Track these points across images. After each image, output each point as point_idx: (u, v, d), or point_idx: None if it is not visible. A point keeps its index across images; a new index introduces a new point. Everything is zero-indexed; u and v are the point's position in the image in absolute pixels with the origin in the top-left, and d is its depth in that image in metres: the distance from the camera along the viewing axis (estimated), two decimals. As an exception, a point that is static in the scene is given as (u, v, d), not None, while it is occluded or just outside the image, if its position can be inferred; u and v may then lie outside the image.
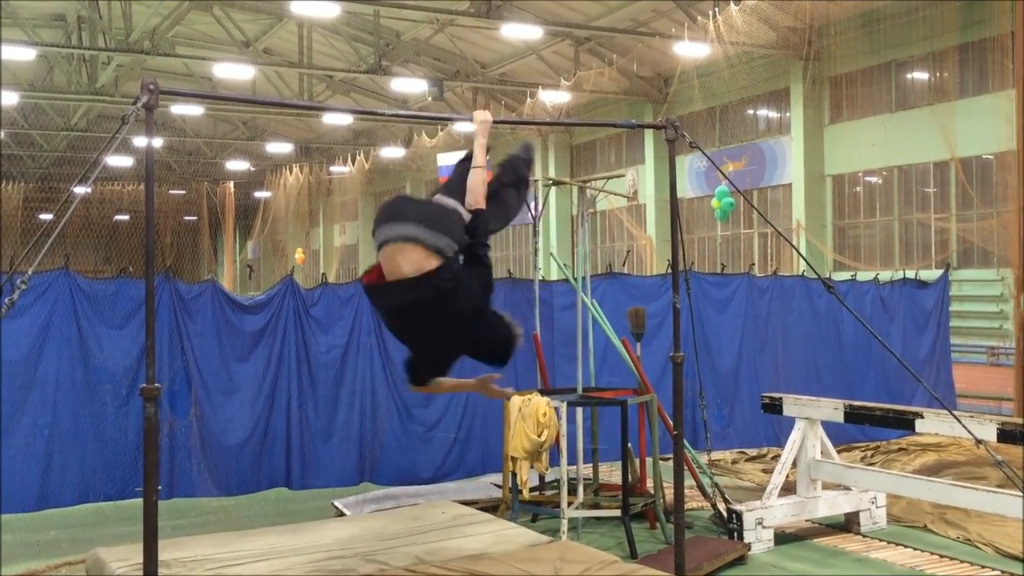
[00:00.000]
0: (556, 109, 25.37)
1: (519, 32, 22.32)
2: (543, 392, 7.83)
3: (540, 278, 9.24)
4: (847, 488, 7.75)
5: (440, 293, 4.14)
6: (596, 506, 7.80)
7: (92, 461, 7.84)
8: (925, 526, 7.82)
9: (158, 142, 31.53)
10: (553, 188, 11.30)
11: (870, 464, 9.88)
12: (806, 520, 7.83)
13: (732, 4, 17.99)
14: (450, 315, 4.20)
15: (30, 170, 37.22)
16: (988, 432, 6.32)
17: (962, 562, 6.93)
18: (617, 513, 7.37)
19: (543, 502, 7.82)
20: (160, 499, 4.01)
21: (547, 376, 8.87)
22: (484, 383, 4.79)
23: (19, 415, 7.63)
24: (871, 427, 8.67)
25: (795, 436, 7.80)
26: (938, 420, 6.82)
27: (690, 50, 20.00)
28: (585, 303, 8.50)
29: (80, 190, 8.24)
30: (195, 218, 42.74)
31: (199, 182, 42.55)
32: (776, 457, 9.52)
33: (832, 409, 7.64)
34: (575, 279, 8.80)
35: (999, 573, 6.67)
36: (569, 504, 7.26)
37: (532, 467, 7.52)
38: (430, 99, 25.53)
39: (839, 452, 8.68)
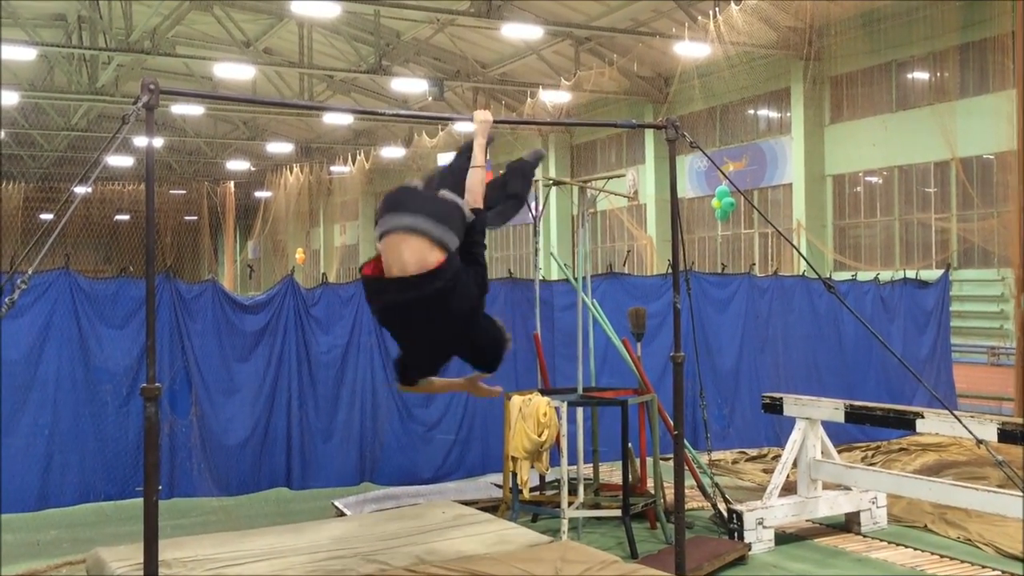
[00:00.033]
0: (556, 109, 25.37)
1: (519, 32, 22.32)
2: (543, 392, 7.83)
3: (541, 278, 9.23)
4: (847, 488, 7.75)
5: (440, 291, 4.14)
6: (596, 506, 7.79)
7: (92, 461, 7.84)
8: (926, 526, 7.81)
9: (158, 142, 31.52)
10: (554, 188, 11.30)
11: (871, 464, 9.88)
12: (807, 520, 7.83)
13: (732, 4, 17.99)
14: (447, 314, 4.20)
15: (31, 170, 37.23)
16: (989, 432, 6.32)
17: (962, 562, 6.93)
18: (617, 513, 7.36)
19: (543, 502, 7.82)
20: (160, 499, 4.00)
21: (547, 376, 8.87)
22: (472, 382, 4.79)
23: (19, 415, 7.62)
24: (872, 427, 8.67)
25: (795, 436, 7.80)
26: (939, 420, 6.82)
27: (690, 50, 20.00)
28: (586, 303, 8.50)
29: (80, 190, 8.22)
30: (195, 218, 42.73)
31: (199, 182, 42.56)
32: (776, 457, 9.52)
33: (833, 409, 7.64)
34: (575, 279, 8.80)
35: (999, 573, 6.67)
36: (569, 504, 7.25)
37: (532, 467, 7.52)
38: (430, 99, 25.54)
39: (840, 452, 8.68)
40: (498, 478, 8.48)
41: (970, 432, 5.68)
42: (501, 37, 24.05)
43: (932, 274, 13.75)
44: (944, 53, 18.79)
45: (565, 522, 7.13)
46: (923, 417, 6.97)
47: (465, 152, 4.77)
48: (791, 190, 22.52)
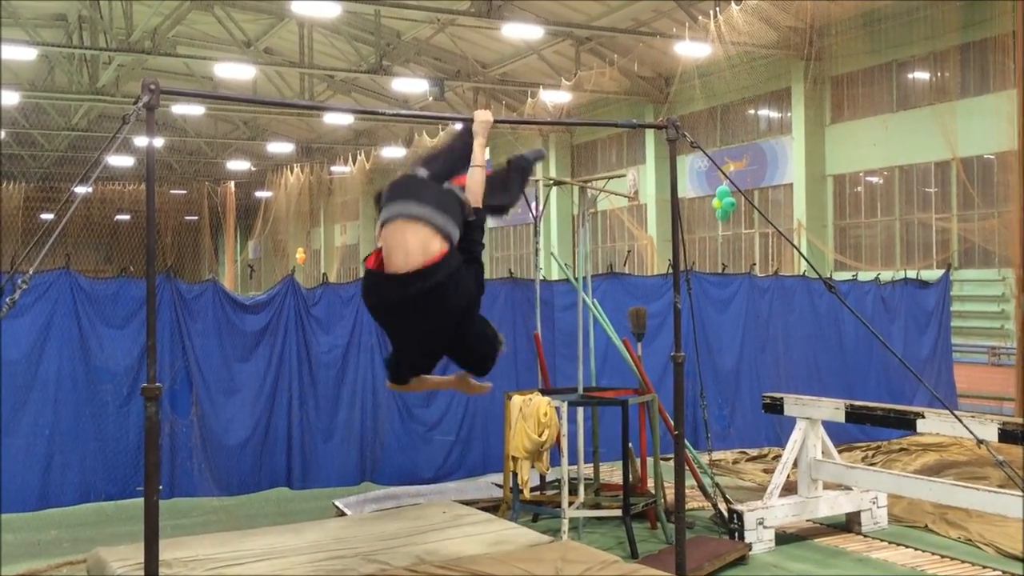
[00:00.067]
0: (557, 109, 25.36)
1: (520, 32, 22.32)
2: (544, 392, 7.83)
3: (541, 278, 9.24)
4: (848, 488, 7.75)
5: (441, 284, 4.15)
6: (597, 506, 7.79)
7: (93, 461, 7.83)
8: (926, 526, 7.81)
9: (159, 142, 31.52)
10: (554, 188, 11.30)
11: (871, 464, 9.88)
12: (807, 520, 7.83)
13: (733, 4, 17.99)
14: (444, 311, 4.21)
15: (31, 170, 37.25)
16: (989, 432, 6.32)
17: (963, 562, 6.93)
18: (618, 513, 7.36)
19: (544, 502, 7.82)
20: (161, 499, 4.00)
21: (548, 376, 8.87)
22: (463, 379, 4.79)
23: (20, 415, 7.62)
24: (872, 427, 8.67)
25: (796, 436, 7.80)
26: (939, 420, 6.82)
27: (691, 50, 20.00)
28: (586, 303, 8.50)
29: (81, 190, 8.20)
30: (196, 218, 42.79)
31: (200, 182, 42.59)
32: (777, 457, 9.52)
33: (833, 409, 7.64)
34: (576, 279, 8.80)
35: (1000, 573, 6.67)
36: (570, 504, 7.25)
37: (533, 467, 7.52)
38: (431, 99, 25.54)
39: (840, 452, 8.68)
40: (499, 478, 8.48)
41: (971, 432, 5.68)
42: (501, 37, 24.05)
43: (933, 274, 13.75)
44: (945, 53, 18.78)
45: (565, 522, 7.13)
46: (924, 417, 6.97)
47: (461, 137, 4.79)
48: (792, 190, 22.52)
